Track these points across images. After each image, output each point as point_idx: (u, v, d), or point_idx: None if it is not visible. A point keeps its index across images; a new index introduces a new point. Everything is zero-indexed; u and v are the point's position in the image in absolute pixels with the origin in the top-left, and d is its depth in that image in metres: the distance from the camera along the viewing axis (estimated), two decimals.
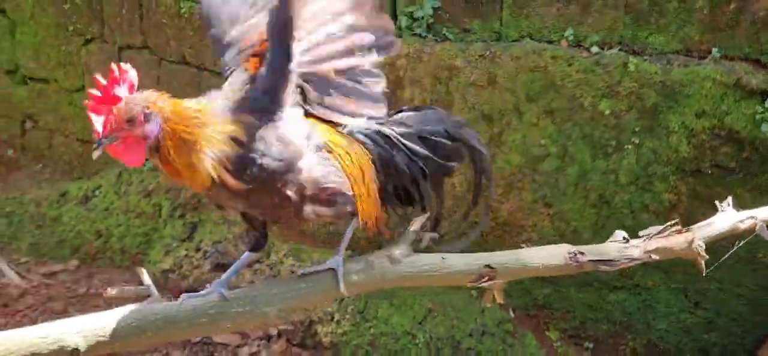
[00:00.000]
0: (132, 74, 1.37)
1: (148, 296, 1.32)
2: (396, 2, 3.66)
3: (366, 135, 1.60)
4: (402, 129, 1.64)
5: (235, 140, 1.37)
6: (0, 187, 5.03)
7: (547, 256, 1.55)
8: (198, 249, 4.04)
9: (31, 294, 3.91)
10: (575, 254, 1.57)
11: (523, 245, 1.51)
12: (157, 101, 1.36)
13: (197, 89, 4.54)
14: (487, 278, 1.46)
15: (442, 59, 3.37)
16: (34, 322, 3.71)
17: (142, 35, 4.64)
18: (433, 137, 1.62)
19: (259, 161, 1.37)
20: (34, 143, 5.48)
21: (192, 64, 4.47)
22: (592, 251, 1.61)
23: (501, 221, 3.53)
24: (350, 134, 1.59)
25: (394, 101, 3.56)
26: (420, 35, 3.55)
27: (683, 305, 3.29)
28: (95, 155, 1.34)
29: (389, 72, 3.53)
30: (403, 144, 1.60)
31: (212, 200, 1.58)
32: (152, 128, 1.33)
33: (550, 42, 3.30)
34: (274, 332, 3.67)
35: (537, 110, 3.24)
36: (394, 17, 3.68)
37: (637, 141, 3.07)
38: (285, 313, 1.29)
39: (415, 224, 1.47)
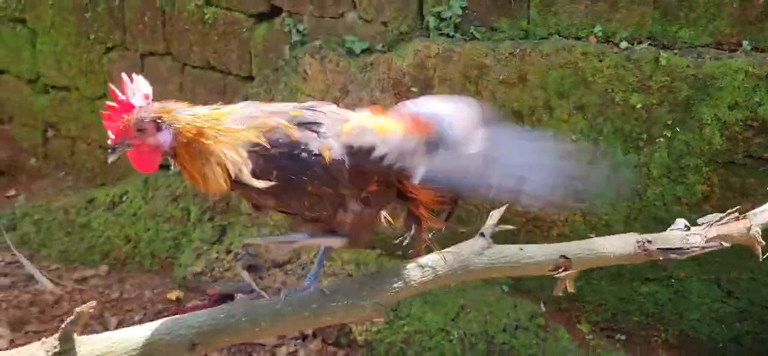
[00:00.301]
0: (145, 84, 1.40)
1: (252, 291, 1.36)
2: (423, 2, 3.71)
3: None
4: None
5: (255, 145, 1.38)
6: (25, 195, 5.06)
7: (618, 245, 1.60)
8: (228, 251, 4.08)
9: (66, 300, 3.94)
10: (643, 243, 1.61)
11: (591, 235, 1.54)
12: (173, 110, 1.39)
13: (222, 94, 4.58)
14: (563, 268, 1.50)
15: (471, 58, 3.42)
16: None
17: (164, 42, 4.68)
18: None
19: (282, 161, 1.36)
20: (56, 152, 5.52)
21: (216, 69, 4.51)
22: (657, 240, 1.65)
23: (531, 217, 3.57)
24: None
25: None
26: (448, 35, 3.60)
27: (716, 295, 3.33)
28: (110, 160, 1.41)
29: (419, 73, 3.58)
30: None
31: (248, 200, 1.57)
32: (165, 138, 1.36)
33: (578, 39, 3.34)
34: (309, 332, 3.71)
35: (568, 106, 3.29)
36: (421, 17, 3.74)
37: (669, 134, 3.12)
38: (380, 306, 1.33)
39: (494, 217, 1.52)
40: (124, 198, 4.59)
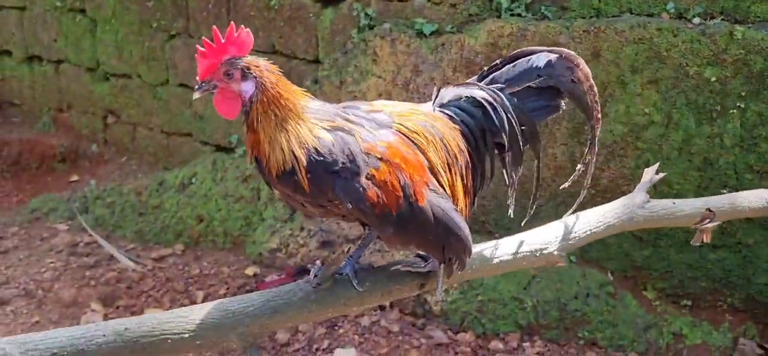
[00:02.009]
0: (248, 37, 1.45)
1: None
2: None
3: (456, 106, 1.64)
4: (493, 89, 1.62)
5: (319, 138, 1.41)
6: (94, 181, 5.24)
7: (752, 200, 1.74)
8: (302, 229, 4.24)
9: (149, 276, 4.12)
10: None
11: (724, 191, 1.69)
12: (262, 66, 1.44)
13: (287, 78, 4.72)
14: (708, 220, 1.65)
15: (546, 36, 3.55)
16: (159, 302, 3.93)
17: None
18: (526, 87, 1.63)
19: (333, 166, 1.39)
20: (116, 137, 5.69)
21: (282, 54, 4.65)
22: None
23: (601, 188, 3.72)
24: (441, 108, 1.63)
25: None
26: (519, 15, 3.73)
27: None
28: (195, 96, 1.46)
29: (492, 52, 3.71)
30: (498, 103, 1.60)
31: (282, 198, 1.55)
32: (248, 88, 1.41)
33: (650, 16, 3.47)
34: (386, 303, 3.88)
35: (641, 81, 3.42)
36: None
37: (742, 105, 3.25)
38: (564, 251, 1.50)
39: (649, 173, 1.67)
40: (194, 180, 4.76)
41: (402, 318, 3.85)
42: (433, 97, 1.67)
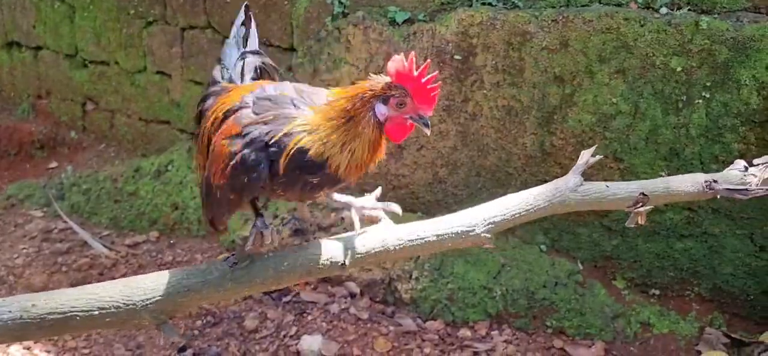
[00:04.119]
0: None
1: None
2: None
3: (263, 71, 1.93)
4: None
5: None
6: (71, 168, 5.23)
7: (687, 184, 1.75)
8: (275, 216, 4.25)
9: (122, 263, 4.13)
10: (710, 182, 1.76)
11: (662, 173, 1.69)
12: None
13: None
14: (641, 203, 1.66)
15: (515, 26, 3.55)
16: None
17: (205, 15, 4.81)
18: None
19: None
20: (95, 124, 5.68)
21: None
22: (721, 179, 1.80)
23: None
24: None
25: (467, 68, 3.75)
26: (490, 4, 3.73)
27: (749, 249, 3.49)
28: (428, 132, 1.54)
29: (462, 41, 3.71)
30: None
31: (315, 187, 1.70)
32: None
33: (619, 5, 3.47)
34: (357, 290, 3.89)
35: (608, 70, 3.42)
36: None
37: (707, 96, 3.26)
38: (491, 232, 1.50)
39: (585, 156, 1.67)
40: (170, 167, 4.75)
41: (372, 305, 3.86)
42: (240, 71, 1.84)
